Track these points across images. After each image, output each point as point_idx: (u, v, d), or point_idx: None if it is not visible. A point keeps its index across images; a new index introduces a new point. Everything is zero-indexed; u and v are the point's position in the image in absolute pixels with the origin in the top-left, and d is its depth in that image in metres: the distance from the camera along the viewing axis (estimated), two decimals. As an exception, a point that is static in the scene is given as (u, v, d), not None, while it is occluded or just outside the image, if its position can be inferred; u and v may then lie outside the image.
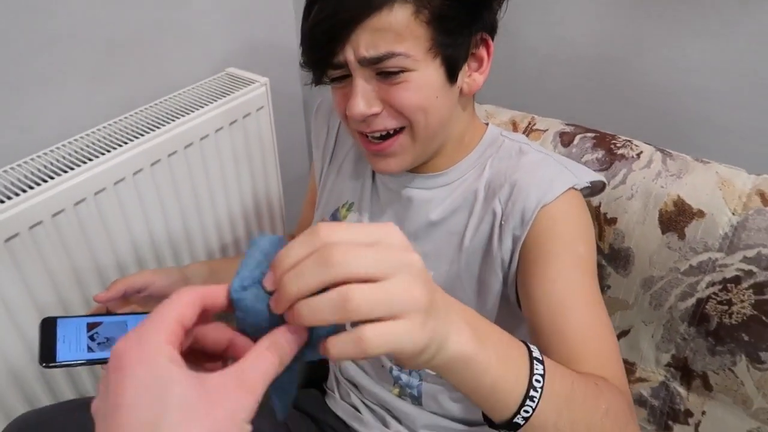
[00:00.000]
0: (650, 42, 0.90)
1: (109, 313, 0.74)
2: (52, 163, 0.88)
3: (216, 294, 0.35)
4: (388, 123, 0.64)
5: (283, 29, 1.29)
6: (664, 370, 0.79)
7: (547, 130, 0.86)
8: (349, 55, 0.61)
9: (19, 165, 0.87)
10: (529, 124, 0.88)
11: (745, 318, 0.69)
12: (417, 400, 0.76)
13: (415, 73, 0.61)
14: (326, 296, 0.32)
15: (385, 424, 0.79)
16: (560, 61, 1.01)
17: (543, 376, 0.42)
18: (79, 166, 0.87)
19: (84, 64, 0.95)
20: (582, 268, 0.61)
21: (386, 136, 0.66)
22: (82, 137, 0.94)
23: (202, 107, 1.03)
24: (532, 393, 0.42)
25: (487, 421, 0.46)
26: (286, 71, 1.32)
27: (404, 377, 0.75)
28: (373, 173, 0.79)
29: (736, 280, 0.69)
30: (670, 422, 0.79)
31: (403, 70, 0.61)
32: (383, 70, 0.61)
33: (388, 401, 0.78)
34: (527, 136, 0.86)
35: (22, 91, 0.88)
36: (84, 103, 0.96)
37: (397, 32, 0.59)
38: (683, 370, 0.77)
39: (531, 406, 0.41)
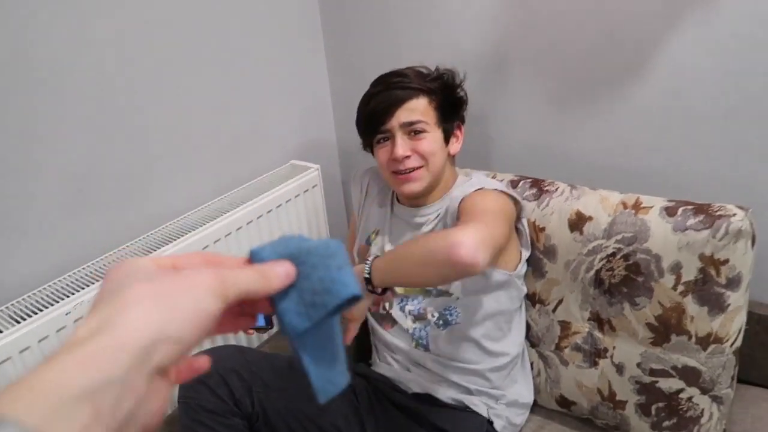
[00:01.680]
0: (566, 126, 1.38)
1: None
2: (181, 228, 1.38)
3: (225, 258, 0.40)
4: (414, 163, 1.14)
5: (327, 130, 1.83)
6: (588, 323, 1.20)
7: (503, 180, 1.33)
8: (394, 123, 1.13)
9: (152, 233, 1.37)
10: (494, 176, 1.35)
11: (622, 277, 1.12)
12: (426, 347, 1.19)
13: (429, 134, 1.14)
14: None
15: (408, 370, 1.22)
16: (510, 144, 1.50)
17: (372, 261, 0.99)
18: (191, 231, 1.37)
19: (199, 161, 1.48)
20: (486, 210, 1.05)
21: (412, 170, 1.14)
22: (187, 215, 1.44)
23: (276, 187, 1.55)
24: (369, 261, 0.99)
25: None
26: (330, 159, 1.86)
27: (417, 332, 1.19)
28: (392, 209, 1.27)
29: (613, 255, 1.12)
30: (596, 359, 1.20)
31: (424, 131, 1.13)
32: (413, 130, 1.13)
33: (408, 352, 1.21)
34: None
35: (153, 181, 1.40)
36: (195, 186, 1.48)
37: (420, 111, 1.14)
38: (597, 321, 1.19)
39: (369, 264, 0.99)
